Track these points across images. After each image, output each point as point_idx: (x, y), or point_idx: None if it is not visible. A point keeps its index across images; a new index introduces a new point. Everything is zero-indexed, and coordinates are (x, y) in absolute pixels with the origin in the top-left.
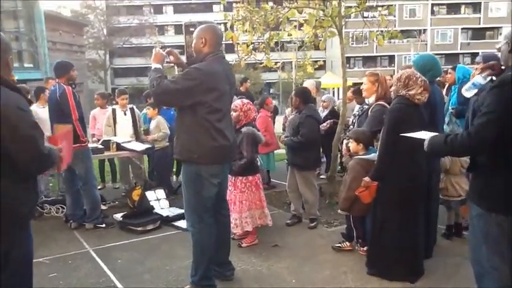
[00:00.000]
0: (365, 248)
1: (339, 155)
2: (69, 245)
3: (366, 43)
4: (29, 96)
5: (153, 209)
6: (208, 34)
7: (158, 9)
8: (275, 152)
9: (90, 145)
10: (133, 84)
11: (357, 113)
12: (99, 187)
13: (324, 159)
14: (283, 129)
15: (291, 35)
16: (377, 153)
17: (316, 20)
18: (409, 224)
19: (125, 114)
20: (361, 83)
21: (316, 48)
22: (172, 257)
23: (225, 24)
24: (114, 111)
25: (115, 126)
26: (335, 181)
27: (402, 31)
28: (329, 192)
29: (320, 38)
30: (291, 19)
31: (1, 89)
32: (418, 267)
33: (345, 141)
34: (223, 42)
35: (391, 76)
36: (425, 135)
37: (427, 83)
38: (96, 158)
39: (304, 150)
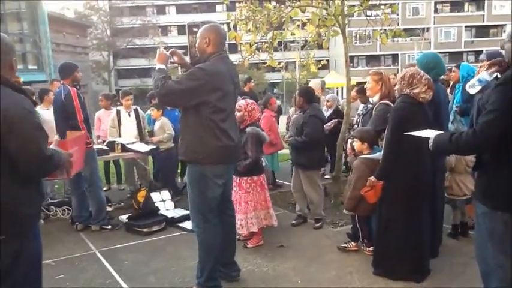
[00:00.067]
0: (371, 248)
1: (344, 155)
2: (75, 247)
3: (369, 42)
4: (34, 98)
5: (158, 210)
6: (212, 34)
7: (161, 10)
8: (279, 152)
9: (95, 146)
10: (137, 85)
11: (361, 112)
12: (104, 189)
13: (328, 159)
14: (287, 129)
15: (294, 34)
16: (382, 152)
17: (319, 19)
18: (414, 223)
19: (129, 115)
20: (365, 82)
21: (320, 47)
22: (177, 258)
23: (228, 24)
24: (118, 112)
25: (119, 128)
26: (340, 181)
27: (405, 29)
28: (334, 192)
29: (323, 37)
30: (294, 18)
31: (6, 90)
32: (424, 266)
33: (349, 141)
34: (226, 42)
35: (395, 75)
36: (430, 133)
37: (431, 82)
38: (101, 159)
39: (308, 150)
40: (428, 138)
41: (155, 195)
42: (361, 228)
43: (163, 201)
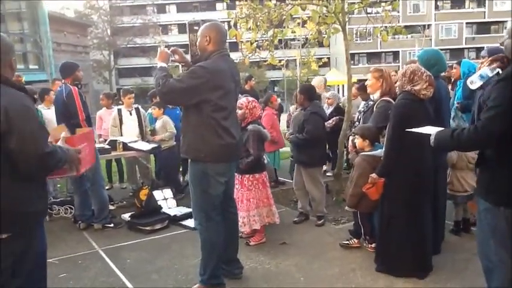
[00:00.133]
0: (373, 245)
1: (345, 152)
2: (78, 246)
3: (370, 39)
4: (35, 97)
5: (161, 208)
6: (213, 32)
7: (161, 9)
8: (280, 150)
9: (97, 145)
10: (138, 84)
11: (362, 109)
12: (106, 187)
13: (330, 156)
14: (288, 127)
15: (294, 32)
16: (383, 149)
17: (319, 17)
18: (416, 220)
19: (131, 114)
20: (366, 80)
21: (320, 45)
22: (180, 256)
23: (228, 22)
24: (119, 111)
25: (121, 127)
26: (342, 178)
27: (406, 27)
28: (336, 190)
29: (324, 35)
30: (294, 16)
31: (6, 89)
32: (426, 263)
33: (350, 138)
34: (227, 41)
35: (396, 72)
36: (431, 130)
37: (432, 78)
38: (103, 158)
39: (309, 148)
40: (430, 134)
41: (157, 194)
42: (363, 225)
43: (166, 200)
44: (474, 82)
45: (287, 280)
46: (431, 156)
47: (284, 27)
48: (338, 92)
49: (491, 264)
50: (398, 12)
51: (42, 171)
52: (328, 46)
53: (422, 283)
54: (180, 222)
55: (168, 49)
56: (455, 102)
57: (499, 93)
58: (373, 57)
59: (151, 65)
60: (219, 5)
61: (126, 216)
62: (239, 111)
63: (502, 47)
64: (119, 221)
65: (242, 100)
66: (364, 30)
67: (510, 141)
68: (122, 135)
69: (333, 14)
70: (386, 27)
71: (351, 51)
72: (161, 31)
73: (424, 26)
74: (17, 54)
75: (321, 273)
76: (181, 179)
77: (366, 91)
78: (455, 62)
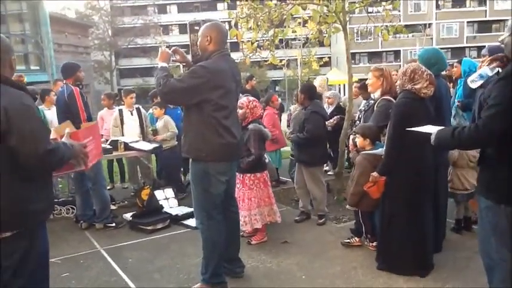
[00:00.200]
0: (374, 243)
1: (346, 151)
2: (80, 245)
3: (371, 38)
4: (37, 97)
5: (162, 208)
6: (214, 32)
7: (162, 9)
8: (281, 149)
9: None
10: (139, 84)
11: (363, 108)
12: (108, 187)
13: (332, 155)
14: (288, 126)
15: (295, 31)
16: (384, 148)
17: (320, 16)
18: (417, 218)
19: (132, 114)
20: (367, 79)
21: (321, 44)
22: (182, 256)
23: (229, 22)
24: (121, 111)
25: (122, 127)
26: (343, 177)
27: (407, 26)
28: (337, 189)
29: (325, 34)
30: (295, 16)
31: (5, 88)
32: (427, 261)
33: (351, 137)
34: (228, 41)
35: (397, 71)
36: (431, 129)
37: (433, 77)
38: (105, 158)
39: (310, 147)
40: (430, 133)
41: (159, 193)
42: (364, 223)
43: (167, 199)
44: (474, 81)
45: (289, 279)
46: (431, 154)
47: (285, 27)
48: (339, 92)
49: (492, 262)
50: (399, 11)
51: (46, 168)
52: (329, 45)
53: (424, 281)
54: (182, 221)
55: (169, 49)
56: (456, 100)
57: (499, 91)
58: (374, 56)
59: (152, 65)
60: (219, 5)
61: (128, 216)
62: (240, 111)
63: (502, 45)
64: (120, 220)
65: (243, 100)
66: (365, 30)
67: (510, 140)
68: (123, 135)
69: (333, 14)
70: (387, 26)
71: (352, 51)
72: (162, 31)
73: (425, 25)
74: (18, 55)
75: (322, 272)
76: (183, 179)
77: (367, 90)
78: (456, 61)
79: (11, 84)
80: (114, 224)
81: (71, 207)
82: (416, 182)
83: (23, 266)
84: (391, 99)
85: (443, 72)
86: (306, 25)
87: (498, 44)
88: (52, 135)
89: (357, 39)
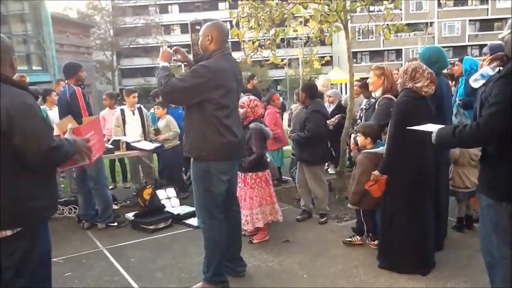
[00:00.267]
0: (376, 242)
1: (348, 150)
2: (82, 245)
3: (372, 37)
4: (39, 98)
5: (164, 207)
6: (215, 31)
7: (164, 9)
8: (284, 148)
9: None
10: (141, 84)
11: (364, 106)
12: (110, 187)
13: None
14: (289, 125)
15: (296, 31)
16: (385, 146)
17: (321, 15)
18: (418, 217)
19: (134, 114)
20: (368, 78)
21: (323, 43)
22: (184, 255)
23: (230, 21)
24: (122, 111)
25: (124, 127)
26: (344, 176)
27: (409, 24)
28: (338, 187)
29: (326, 33)
30: (296, 15)
31: (7, 88)
32: (428, 259)
33: (352, 136)
34: (229, 40)
35: (398, 70)
36: (432, 127)
37: (434, 75)
38: (107, 158)
39: (311, 146)
40: (431, 132)
41: (161, 193)
42: (365, 222)
43: (169, 199)
44: (477, 81)
45: (290, 278)
46: (432, 153)
47: (286, 26)
48: (341, 91)
49: (493, 260)
50: (400, 10)
51: (51, 165)
52: (331, 44)
53: (425, 280)
54: (184, 221)
55: (171, 49)
56: (457, 99)
57: (500, 89)
58: (376, 55)
59: (153, 65)
60: (221, 5)
61: (130, 215)
62: (241, 110)
63: (502, 42)
64: (122, 220)
65: (244, 99)
66: (366, 28)
67: (511, 138)
68: (125, 135)
69: (334, 13)
70: (388, 25)
71: (353, 50)
72: (163, 31)
73: (426, 23)
74: (20, 55)
75: (324, 271)
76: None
77: (368, 89)
78: (457, 59)
79: (12, 83)
80: (116, 224)
81: (73, 207)
82: (418, 181)
83: (25, 266)
84: (392, 97)
85: (445, 71)
86: (307, 24)
87: (500, 42)
88: (55, 132)
89: (358, 38)
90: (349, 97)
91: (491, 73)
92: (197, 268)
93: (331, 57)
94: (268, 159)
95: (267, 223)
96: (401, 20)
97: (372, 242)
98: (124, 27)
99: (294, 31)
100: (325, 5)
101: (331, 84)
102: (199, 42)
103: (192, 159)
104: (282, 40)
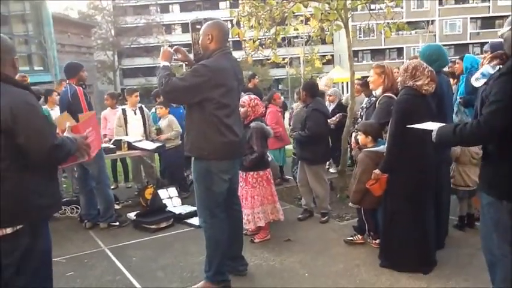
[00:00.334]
0: (377, 241)
1: (349, 149)
2: (84, 245)
3: (373, 36)
4: (41, 98)
5: (166, 207)
6: (215, 30)
7: (165, 8)
8: (285, 147)
9: (102, 145)
10: (142, 84)
11: (365, 105)
12: (112, 187)
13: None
14: (289, 124)
15: (297, 29)
16: (386, 145)
17: (322, 14)
18: (419, 215)
19: (135, 113)
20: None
21: (324, 42)
22: (185, 254)
23: (231, 21)
24: (124, 111)
25: (126, 126)
26: (345, 175)
27: (410, 22)
28: (340, 186)
29: (326, 32)
30: (296, 14)
31: (8, 87)
32: (430, 258)
33: (353, 134)
34: (230, 39)
35: (399, 68)
36: (432, 126)
37: (434, 73)
38: (109, 157)
39: (312, 144)
40: (431, 130)
41: (162, 193)
42: (367, 221)
43: (171, 198)
44: (478, 79)
45: (291, 277)
46: (433, 152)
47: (286, 25)
48: (342, 89)
49: (494, 258)
50: (402, 8)
51: (54, 163)
52: (332, 43)
53: (426, 278)
54: (185, 220)
55: (171, 48)
56: (458, 97)
57: (500, 88)
58: (377, 54)
59: (155, 65)
60: (222, 4)
61: (132, 215)
62: (242, 109)
63: (502, 39)
64: (124, 219)
65: (244, 98)
66: (367, 27)
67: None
68: (127, 134)
69: (335, 11)
70: (389, 23)
71: (354, 48)
72: (164, 31)
73: (428, 21)
74: (22, 56)
75: (325, 270)
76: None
77: (368, 87)
78: (458, 57)
79: (14, 83)
80: (118, 223)
81: (75, 207)
82: (418, 179)
83: (25, 264)
84: (393, 96)
85: (446, 69)
86: (308, 23)
87: (500, 40)
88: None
89: (359, 37)
90: (350, 96)
91: (492, 71)
92: (199, 267)
93: (332, 56)
94: (269, 158)
95: (269, 222)
96: (402, 18)
97: (373, 241)
98: (125, 27)
99: (294, 30)
100: (325, 3)
101: (333, 83)
102: (199, 42)
103: (193, 159)
104: (283, 39)
